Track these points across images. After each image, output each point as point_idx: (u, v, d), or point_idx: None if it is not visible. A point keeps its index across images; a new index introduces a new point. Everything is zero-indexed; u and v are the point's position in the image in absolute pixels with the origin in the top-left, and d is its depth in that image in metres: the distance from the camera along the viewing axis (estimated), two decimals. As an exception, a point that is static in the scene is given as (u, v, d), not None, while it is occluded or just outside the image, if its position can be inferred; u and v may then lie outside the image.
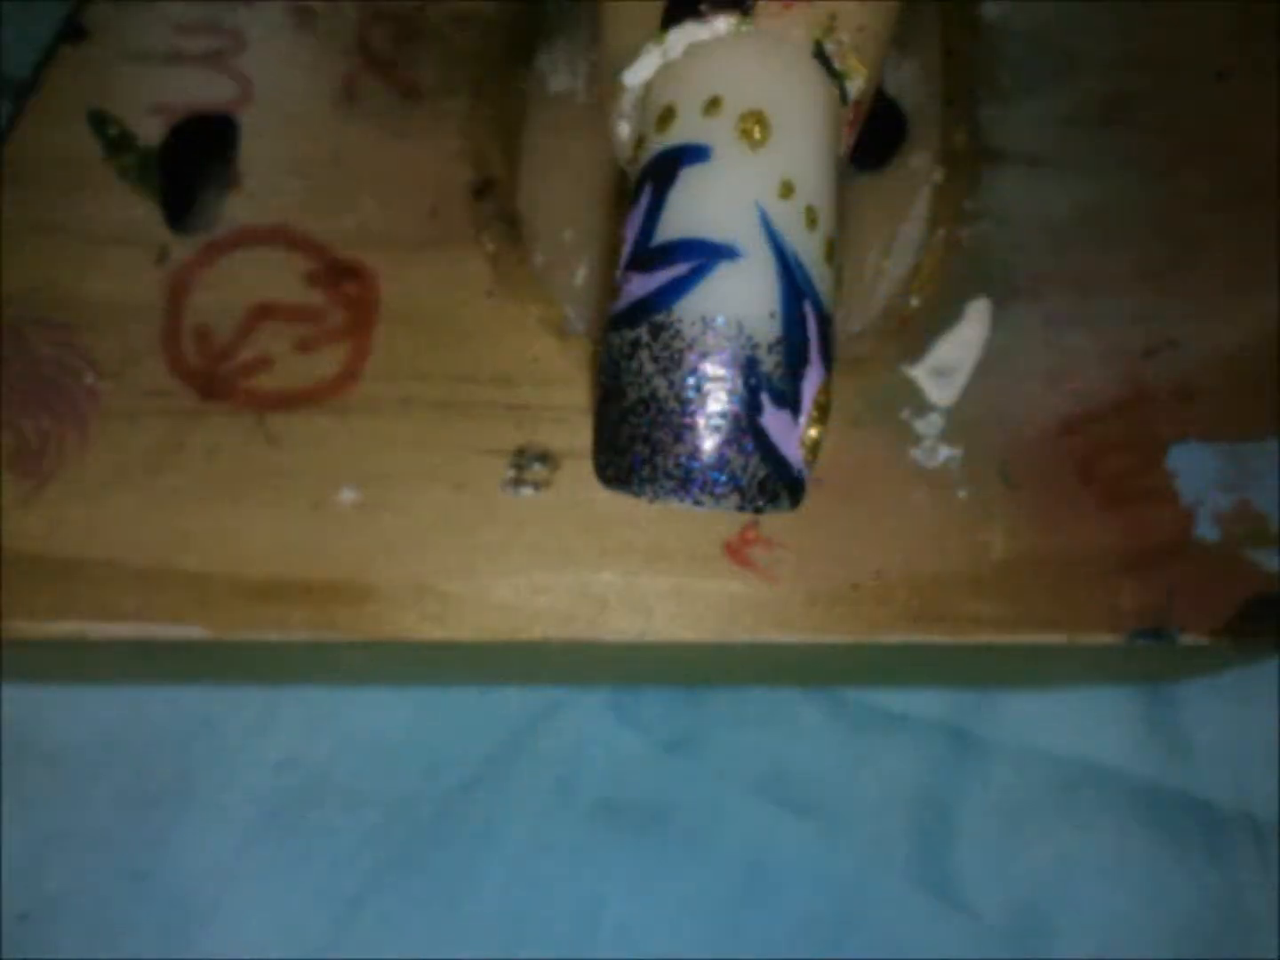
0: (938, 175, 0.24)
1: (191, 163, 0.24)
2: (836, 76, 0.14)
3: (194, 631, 0.21)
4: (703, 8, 0.14)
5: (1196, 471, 0.22)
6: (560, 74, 0.24)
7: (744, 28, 0.14)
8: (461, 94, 0.24)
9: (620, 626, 0.21)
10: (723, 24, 0.14)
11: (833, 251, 0.14)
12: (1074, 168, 0.24)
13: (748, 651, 0.22)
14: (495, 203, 0.23)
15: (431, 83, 0.24)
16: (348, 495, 0.22)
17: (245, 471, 0.22)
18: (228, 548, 0.21)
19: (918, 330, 0.23)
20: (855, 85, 0.15)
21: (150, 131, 0.23)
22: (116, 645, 0.22)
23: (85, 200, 0.23)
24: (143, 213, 0.23)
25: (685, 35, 0.14)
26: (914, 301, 0.23)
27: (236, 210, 0.23)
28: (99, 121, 0.23)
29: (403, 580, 0.21)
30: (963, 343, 0.23)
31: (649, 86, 0.15)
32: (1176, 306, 0.23)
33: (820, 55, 0.14)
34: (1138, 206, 0.23)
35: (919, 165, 0.24)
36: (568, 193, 0.23)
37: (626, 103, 0.15)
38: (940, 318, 0.23)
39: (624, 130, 0.15)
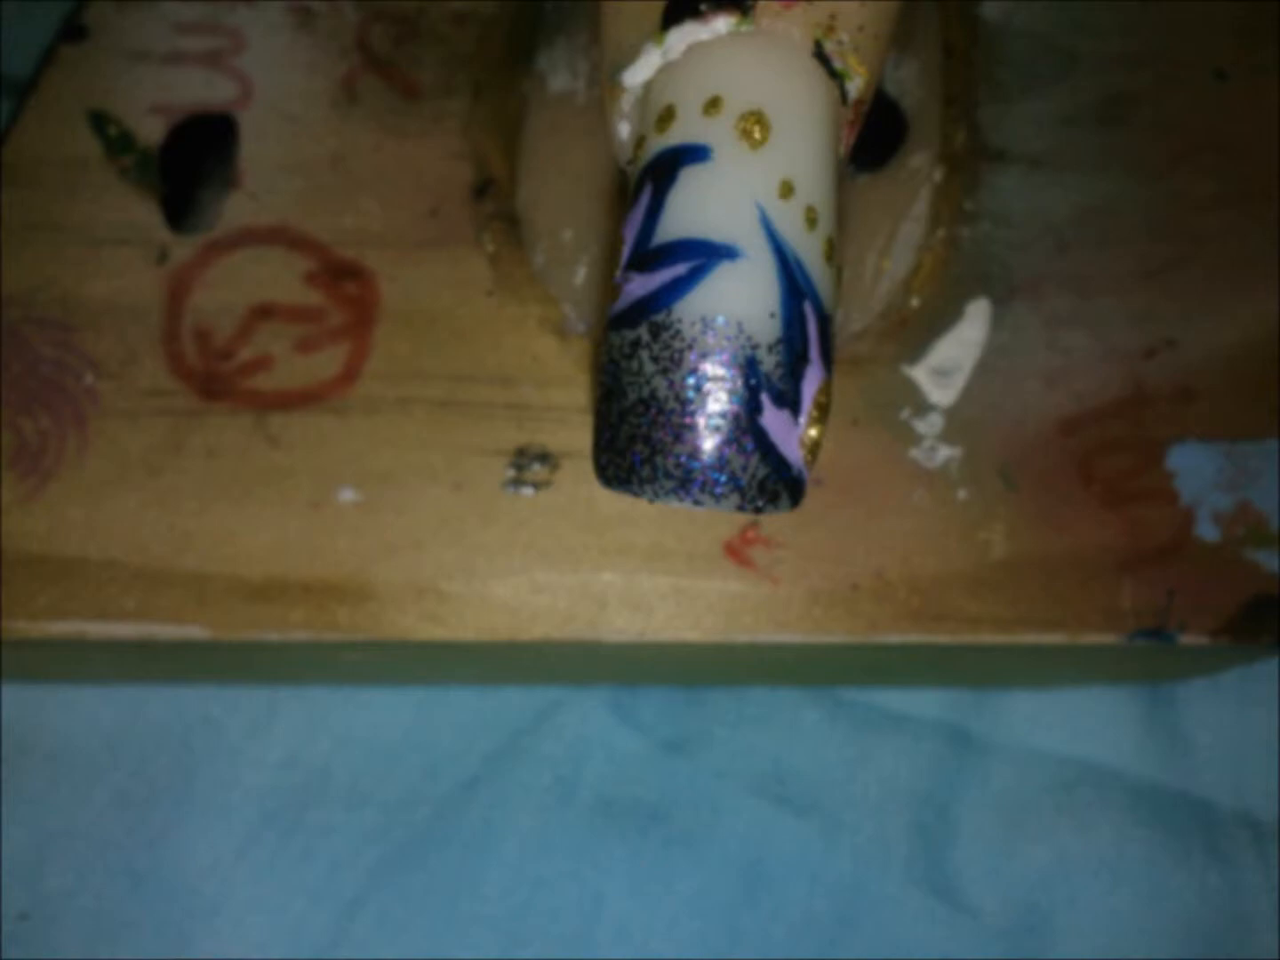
0: (938, 175, 0.24)
1: (191, 163, 0.24)
2: (836, 76, 0.14)
3: (194, 631, 0.21)
4: (703, 8, 0.14)
5: (1196, 471, 0.22)
6: (560, 74, 0.24)
7: (744, 28, 0.14)
8: (461, 94, 0.24)
9: (620, 626, 0.21)
10: (722, 24, 0.14)
11: (833, 251, 0.14)
12: (1074, 168, 0.24)
13: (748, 651, 0.22)
14: (495, 203, 0.23)
15: (431, 83, 0.24)
16: (348, 495, 0.22)
17: (245, 471, 0.22)
18: (228, 548, 0.21)
19: (918, 330, 0.23)
20: (855, 85, 0.15)
21: (150, 131, 0.23)
22: (116, 645, 0.22)
23: (85, 200, 0.23)
24: (143, 213, 0.23)
25: (685, 35, 0.14)
26: (914, 301, 0.23)
27: (236, 210, 0.23)
28: (99, 121, 0.23)
29: (403, 580, 0.21)
30: (963, 343, 0.23)
31: (649, 86, 0.15)
32: (1176, 306, 0.23)
33: (820, 55, 0.14)
34: (1138, 206, 0.23)
35: (919, 165, 0.24)
36: (568, 193, 0.23)
37: (626, 103, 0.15)
38: (940, 318, 0.23)
39: (624, 130, 0.15)
